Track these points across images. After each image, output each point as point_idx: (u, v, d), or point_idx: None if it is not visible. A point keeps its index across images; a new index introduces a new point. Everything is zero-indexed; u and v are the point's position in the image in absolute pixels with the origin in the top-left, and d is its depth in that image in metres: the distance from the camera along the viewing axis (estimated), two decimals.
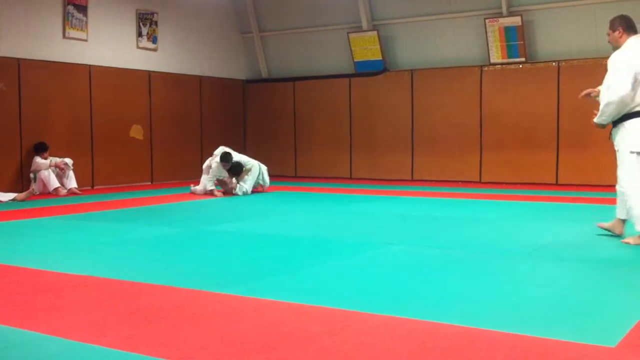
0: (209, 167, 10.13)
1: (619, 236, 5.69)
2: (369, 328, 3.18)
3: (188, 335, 3.09)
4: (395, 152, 12.69)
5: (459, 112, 11.95)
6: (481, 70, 11.75)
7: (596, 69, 10.76)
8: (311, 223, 7.13)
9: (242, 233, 6.40)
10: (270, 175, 10.57)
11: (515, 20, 11.25)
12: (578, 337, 2.98)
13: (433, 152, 12.30)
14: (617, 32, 5.53)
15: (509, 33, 11.30)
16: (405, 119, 12.57)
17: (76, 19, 11.07)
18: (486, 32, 11.58)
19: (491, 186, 11.03)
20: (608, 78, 5.44)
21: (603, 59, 10.61)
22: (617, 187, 5.61)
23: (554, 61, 11.11)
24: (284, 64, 14.09)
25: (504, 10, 11.40)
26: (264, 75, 14.35)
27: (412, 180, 12.42)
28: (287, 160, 13.90)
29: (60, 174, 10.25)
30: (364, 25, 12.73)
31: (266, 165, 10.56)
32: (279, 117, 14.01)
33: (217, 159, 9.98)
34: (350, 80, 13.16)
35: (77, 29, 11.11)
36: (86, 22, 11.22)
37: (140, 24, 12.15)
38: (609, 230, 5.78)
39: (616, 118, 5.43)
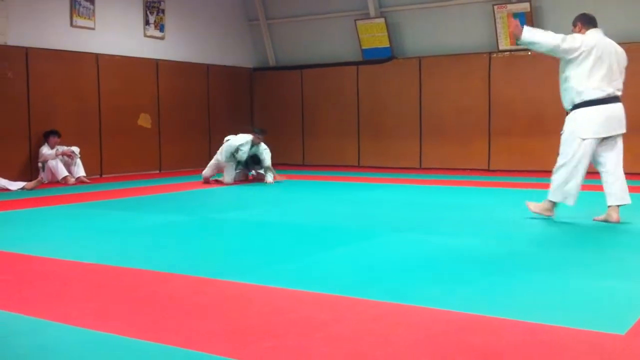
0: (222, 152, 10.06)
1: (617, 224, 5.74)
2: (376, 315, 3.17)
3: (195, 322, 3.09)
4: (403, 140, 12.65)
5: (467, 99, 11.89)
6: (489, 57, 11.68)
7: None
8: (318, 211, 7.12)
9: (249, 221, 6.39)
10: (277, 164, 10.53)
11: (524, 7, 11.15)
12: (586, 325, 2.96)
13: (441, 140, 12.26)
14: (576, 28, 5.91)
15: (518, 19, 11.20)
16: (413, 106, 12.52)
17: (83, 7, 11.06)
18: (494, 19, 11.50)
19: (499, 174, 10.98)
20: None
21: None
22: (601, 175, 5.86)
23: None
24: (291, 52, 14.05)
25: None
26: (271, 63, 14.31)
27: (420, 168, 12.38)
28: (294, 149, 13.88)
29: (69, 162, 10.27)
30: (372, 12, 12.66)
31: (274, 153, 10.51)
32: (286, 106, 13.99)
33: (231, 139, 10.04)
34: (357, 68, 13.11)
35: (85, 18, 11.10)
36: (93, 11, 11.21)
37: (148, 12, 12.13)
38: (605, 222, 5.82)
39: (531, 46, 5.83)
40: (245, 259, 4.62)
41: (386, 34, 12.53)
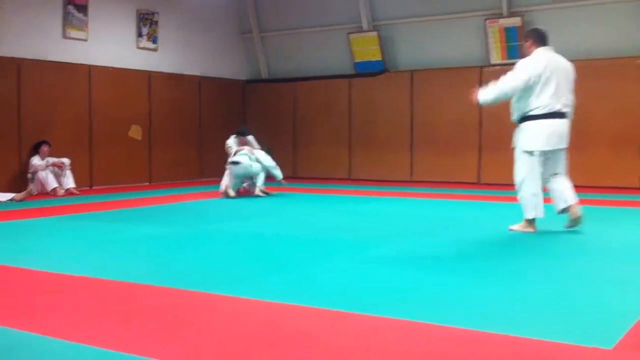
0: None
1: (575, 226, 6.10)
2: (368, 330, 3.17)
3: (186, 336, 3.08)
4: (395, 153, 12.68)
5: (459, 113, 11.92)
6: (481, 71, 11.73)
7: (595, 69, 10.80)
8: (310, 223, 7.12)
9: (240, 233, 6.38)
10: (269, 176, 10.50)
11: (516, 21, 11.23)
12: (574, 339, 2.96)
13: (432, 153, 12.29)
14: (528, 43, 6.13)
15: (510, 34, 11.29)
16: (404, 119, 12.56)
17: (76, 18, 11.07)
18: (486, 33, 11.57)
19: (490, 187, 11.01)
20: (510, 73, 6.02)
21: (602, 59, 10.72)
22: (547, 185, 6.14)
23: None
24: (284, 65, 14.08)
25: (505, 10, 11.39)
26: (264, 75, 14.34)
27: (411, 181, 12.41)
28: (286, 161, 13.84)
29: (59, 173, 10.24)
30: (365, 25, 12.72)
31: None
32: (278, 118, 14.00)
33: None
34: (350, 81, 13.15)
35: (78, 29, 11.11)
36: (86, 22, 11.21)
37: (141, 24, 12.15)
38: (573, 223, 6.13)
39: (495, 103, 6.12)
40: (237, 271, 4.61)
41: (379, 47, 12.58)
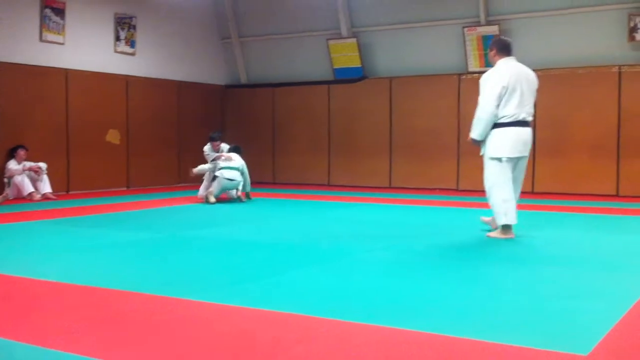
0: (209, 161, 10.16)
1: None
2: (341, 336, 3.16)
3: (160, 342, 3.05)
4: (374, 159, 12.71)
5: (437, 120, 11.99)
6: (459, 79, 11.82)
7: (572, 78, 10.94)
8: (288, 229, 7.11)
9: (217, 239, 6.35)
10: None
11: (493, 29, 11.33)
12: (551, 345, 2.98)
13: (411, 160, 12.34)
14: (492, 52, 6.30)
15: (487, 42, 11.38)
16: (383, 126, 12.61)
17: (53, 22, 10.97)
18: (464, 41, 11.66)
19: (469, 194, 11.08)
20: (480, 96, 6.13)
21: (579, 68, 10.85)
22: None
23: (532, 70, 11.17)
24: (264, 70, 14.07)
25: (482, 19, 11.49)
26: (243, 80, 14.32)
27: (390, 187, 12.44)
28: (265, 167, 13.86)
29: (35, 178, 10.13)
30: (344, 32, 12.75)
31: None
32: (258, 123, 13.98)
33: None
34: (329, 87, 13.17)
35: (55, 32, 11.01)
36: (63, 26, 11.12)
37: (119, 27, 12.07)
38: (489, 224, 6.47)
39: (488, 131, 6.10)
40: (213, 278, 4.59)
41: (358, 53, 12.62)
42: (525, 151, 6.16)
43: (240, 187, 9.98)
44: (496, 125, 6.07)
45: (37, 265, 5.02)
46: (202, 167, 10.11)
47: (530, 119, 6.17)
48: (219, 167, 9.79)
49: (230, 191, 10.01)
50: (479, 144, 6.24)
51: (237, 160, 9.94)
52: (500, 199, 6.08)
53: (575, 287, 4.27)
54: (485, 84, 6.11)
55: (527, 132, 6.13)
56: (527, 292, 4.11)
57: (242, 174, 9.93)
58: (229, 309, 3.65)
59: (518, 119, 6.06)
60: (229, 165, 9.76)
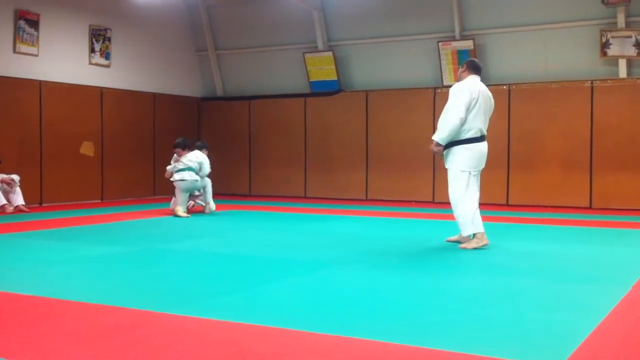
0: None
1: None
2: (318, 349, 3.16)
3: (137, 357, 3.02)
4: (350, 172, 12.75)
5: (413, 133, 12.08)
6: (434, 93, 11.92)
7: (545, 92, 11.10)
8: (264, 242, 7.09)
9: (193, 252, 6.32)
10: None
11: (468, 44, 11.47)
12: (526, 356, 3.01)
13: (387, 172, 12.40)
14: (462, 69, 6.61)
15: (462, 56, 11.51)
16: (359, 139, 12.66)
17: (27, 33, 10.87)
18: (439, 55, 11.77)
19: (444, 206, 11.14)
20: (448, 104, 6.39)
21: (552, 82, 11.02)
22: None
23: (505, 84, 11.35)
24: (240, 83, 14.07)
25: (457, 34, 11.63)
26: (219, 93, 14.30)
27: (367, 199, 12.48)
28: (241, 179, 13.83)
29: (8, 190, 10.00)
30: (320, 45, 12.81)
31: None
32: (234, 136, 13.95)
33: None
34: (305, 100, 13.21)
35: (28, 44, 10.91)
36: (37, 37, 11.02)
37: (94, 39, 12.00)
38: (457, 242, 6.62)
39: (452, 138, 6.32)
40: (188, 291, 4.55)
41: (334, 67, 12.68)
42: (484, 164, 6.52)
43: (208, 196, 9.88)
44: (465, 140, 6.34)
45: (9, 278, 4.94)
46: (168, 168, 9.94)
47: (486, 134, 6.50)
48: (176, 170, 9.71)
49: (197, 203, 9.96)
50: (440, 150, 6.42)
51: (193, 157, 9.81)
52: (467, 209, 6.31)
53: (550, 299, 4.31)
54: (455, 93, 6.37)
55: (486, 146, 6.50)
56: (502, 303, 4.14)
57: (201, 169, 9.79)
58: (205, 322, 3.62)
59: (483, 134, 6.42)
60: (185, 167, 9.66)
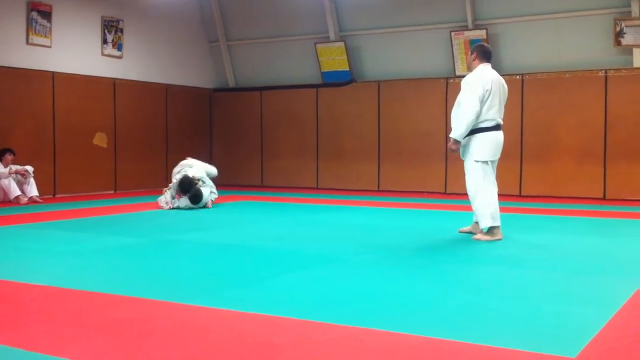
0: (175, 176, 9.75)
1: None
2: (334, 339, 3.17)
3: (151, 347, 3.04)
4: (362, 163, 12.73)
5: (425, 123, 12.04)
6: (447, 83, 11.87)
7: (558, 82, 11.02)
8: (277, 233, 7.10)
9: (207, 243, 6.34)
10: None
11: (481, 34, 11.39)
12: (539, 347, 3.00)
13: (399, 163, 12.37)
14: (472, 56, 6.49)
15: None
16: (371, 129, 12.63)
17: (40, 25, 10.92)
18: (452, 45, 11.71)
19: (456, 197, 11.12)
20: (460, 97, 6.33)
21: (565, 72, 10.94)
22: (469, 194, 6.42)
23: (518, 74, 11.28)
24: (251, 74, 14.06)
25: (470, 23, 11.55)
26: (231, 84, 14.30)
27: (378, 190, 12.47)
28: (253, 170, 13.85)
29: (22, 181, 10.07)
30: (331, 35, 12.77)
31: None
32: (245, 127, 13.97)
33: (176, 180, 9.45)
34: (317, 91, 13.18)
35: (41, 36, 10.95)
36: (50, 29, 11.06)
37: (106, 30, 12.02)
38: (470, 233, 6.59)
39: (467, 131, 6.24)
40: (203, 281, 4.58)
41: (346, 57, 12.65)
42: (500, 154, 6.42)
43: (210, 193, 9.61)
44: (480, 129, 6.23)
45: (24, 268, 4.99)
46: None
47: (502, 123, 6.40)
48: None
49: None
50: (458, 146, 6.36)
51: (194, 168, 9.56)
52: (486, 201, 6.22)
53: (563, 290, 4.30)
54: (467, 86, 6.26)
55: (502, 135, 6.39)
56: (515, 295, 4.14)
57: (209, 173, 9.69)
58: (221, 313, 3.64)
59: (498, 123, 6.32)
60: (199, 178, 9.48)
